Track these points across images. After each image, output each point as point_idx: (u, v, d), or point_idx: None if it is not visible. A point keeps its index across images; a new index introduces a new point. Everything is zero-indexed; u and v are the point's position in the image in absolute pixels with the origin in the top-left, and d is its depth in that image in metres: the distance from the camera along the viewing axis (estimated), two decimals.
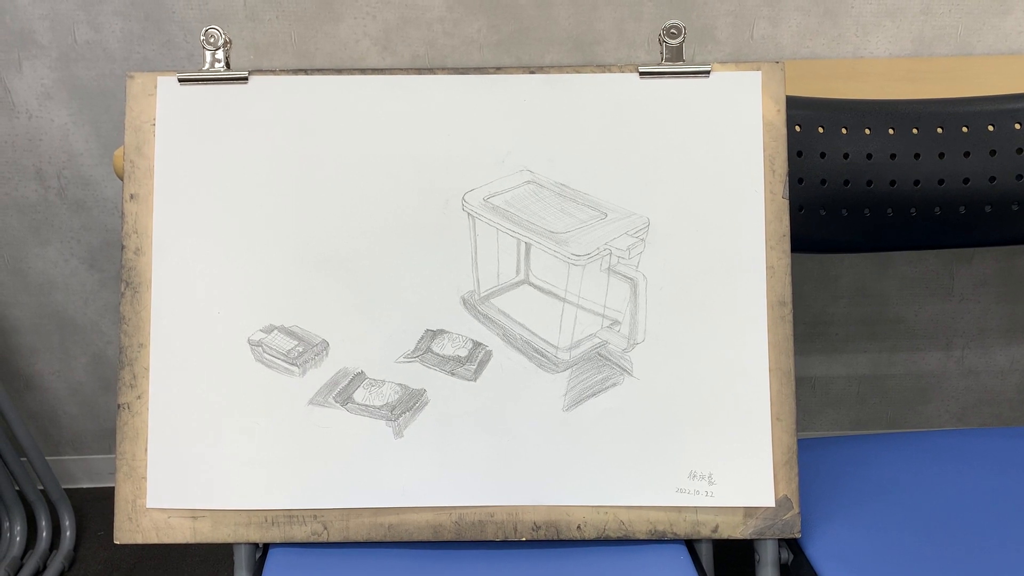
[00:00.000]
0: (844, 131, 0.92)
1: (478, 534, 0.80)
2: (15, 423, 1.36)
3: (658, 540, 0.81)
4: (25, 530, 1.43)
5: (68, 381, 1.51)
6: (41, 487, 1.47)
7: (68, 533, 1.46)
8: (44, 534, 1.44)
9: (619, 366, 0.80)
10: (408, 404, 0.80)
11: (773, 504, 0.79)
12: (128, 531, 0.80)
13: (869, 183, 0.93)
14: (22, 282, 1.41)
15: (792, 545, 0.83)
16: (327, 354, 0.80)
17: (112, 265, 1.41)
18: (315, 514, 0.80)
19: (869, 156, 0.92)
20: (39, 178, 1.33)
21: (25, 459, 1.44)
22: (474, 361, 0.80)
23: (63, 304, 1.44)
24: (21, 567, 1.39)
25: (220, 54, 0.82)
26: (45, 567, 1.41)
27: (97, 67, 1.26)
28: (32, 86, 1.27)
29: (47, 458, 1.55)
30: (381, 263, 0.81)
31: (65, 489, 1.52)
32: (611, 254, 0.80)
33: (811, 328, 1.48)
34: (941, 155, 0.92)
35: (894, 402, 1.57)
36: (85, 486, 1.60)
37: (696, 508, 0.79)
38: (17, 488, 1.43)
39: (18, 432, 1.36)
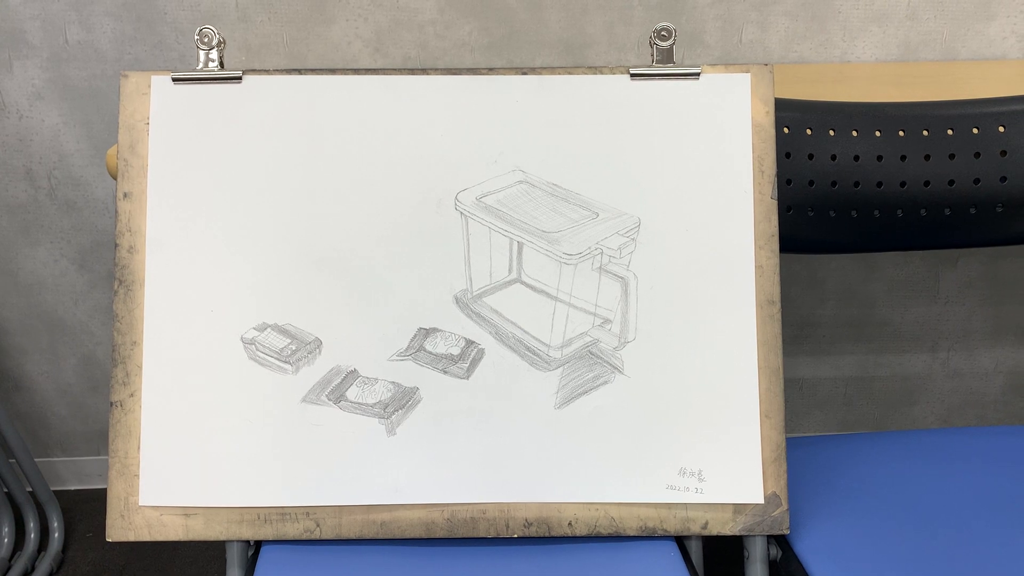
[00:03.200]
0: (832, 133, 0.93)
1: (470, 531, 0.80)
2: (4, 424, 1.35)
3: (648, 536, 0.81)
4: (13, 532, 1.43)
5: (57, 382, 1.51)
6: (29, 488, 1.47)
7: (56, 535, 1.46)
8: (32, 536, 1.44)
9: (610, 364, 0.81)
10: (401, 402, 0.81)
11: (762, 501, 0.80)
12: (120, 528, 0.80)
13: (856, 184, 0.94)
14: (11, 282, 1.41)
15: (781, 541, 0.84)
16: (320, 352, 0.81)
17: (102, 266, 1.41)
18: (308, 511, 0.80)
19: (856, 158, 0.93)
20: (29, 178, 1.33)
21: (13, 460, 1.43)
22: (467, 359, 0.81)
23: (52, 305, 1.43)
24: (9, 568, 1.39)
25: (214, 54, 0.83)
26: (33, 569, 1.40)
27: (88, 68, 1.26)
28: (23, 86, 1.27)
29: (36, 459, 1.54)
30: (374, 261, 0.81)
31: (54, 491, 1.52)
32: (602, 253, 0.81)
33: (798, 330, 1.49)
34: (927, 157, 0.94)
35: (880, 403, 1.58)
36: (73, 488, 1.60)
37: (686, 505, 0.80)
38: (5, 490, 1.43)
39: (6, 433, 1.36)
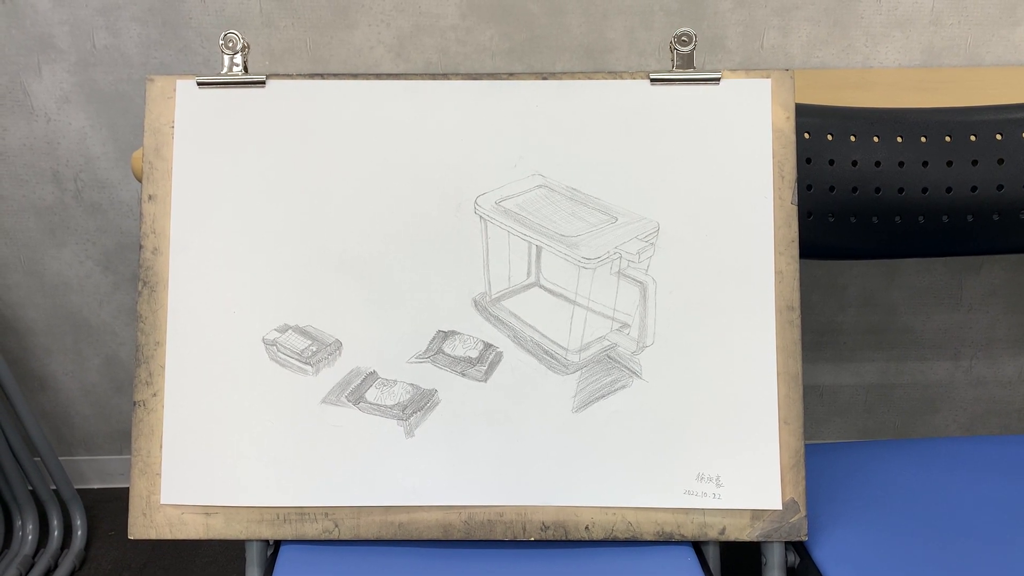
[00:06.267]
0: (853, 139, 0.93)
1: (487, 533, 0.81)
2: (29, 423, 1.37)
3: (665, 541, 0.81)
4: (37, 529, 1.45)
5: (81, 382, 1.53)
6: (53, 487, 1.49)
7: (79, 532, 1.47)
8: (56, 533, 1.46)
9: (628, 368, 0.81)
10: (419, 404, 0.81)
11: (780, 507, 0.79)
12: (142, 527, 0.81)
13: (877, 190, 0.94)
14: (38, 283, 1.43)
15: (799, 548, 0.84)
16: (340, 354, 0.82)
17: (126, 268, 1.43)
18: (326, 512, 0.81)
19: (878, 164, 0.93)
20: (56, 181, 1.35)
21: (38, 459, 1.45)
22: (485, 362, 0.81)
23: (78, 306, 1.45)
24: (33, 565, 1.40)
25: (238, 58, 0.84)
26: (56, 566, 1.42)
27: (115, 72, 1.27)
28: (51, 90, 1.28)
29: (60, 458, 1.56)
30: (394, 264, 0.82)
31: (77, 489, 1.54)
32: (621, 258, 0.81)
33: (819, 336, 1.49)
34: (949, 163, 0.93)
35: (902, 411, 1.57)
36: (96, 486, 1.62)
37: (703, 510, 0.80)
38: (30, 487, 1.45)
39: (32, 432, 1.38)
